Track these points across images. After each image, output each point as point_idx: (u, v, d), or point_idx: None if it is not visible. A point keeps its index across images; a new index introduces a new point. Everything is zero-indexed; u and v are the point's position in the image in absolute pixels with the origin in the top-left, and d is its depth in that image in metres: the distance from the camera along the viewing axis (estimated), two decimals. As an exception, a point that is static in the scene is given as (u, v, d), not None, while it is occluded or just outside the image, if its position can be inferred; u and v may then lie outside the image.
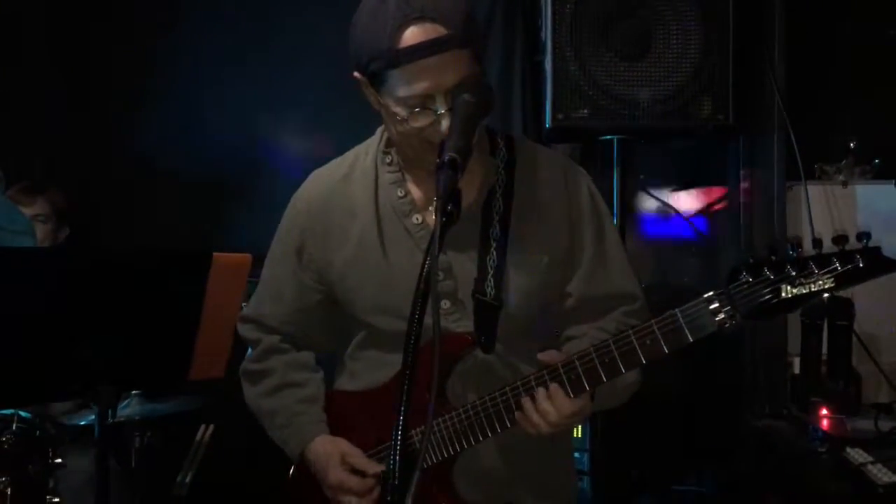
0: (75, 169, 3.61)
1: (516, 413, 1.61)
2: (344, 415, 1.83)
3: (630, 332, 1.55)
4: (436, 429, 1.68)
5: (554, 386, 1.58)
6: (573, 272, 1.76)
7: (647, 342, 1.53)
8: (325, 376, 1.92)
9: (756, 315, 1.46)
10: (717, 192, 3.25)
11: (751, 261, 1.44)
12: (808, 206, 2.84)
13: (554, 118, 2.79)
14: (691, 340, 1.52)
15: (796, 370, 2.79)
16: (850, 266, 1.40)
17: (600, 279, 1.76)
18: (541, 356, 1.63)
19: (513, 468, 1.76)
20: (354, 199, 1.79)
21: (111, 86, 3.60)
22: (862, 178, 2.92)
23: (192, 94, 3.53)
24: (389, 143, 1.79)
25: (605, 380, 1.58)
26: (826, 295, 1.40)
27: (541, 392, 1.59)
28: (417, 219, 1.75)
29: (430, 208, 1.67)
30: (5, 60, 3.57)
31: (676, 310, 1.52)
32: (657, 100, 2.75)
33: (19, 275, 1.95)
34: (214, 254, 2.15)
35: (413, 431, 1.62)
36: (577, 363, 1.58)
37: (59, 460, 2.61)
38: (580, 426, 2.80)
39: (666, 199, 3.27)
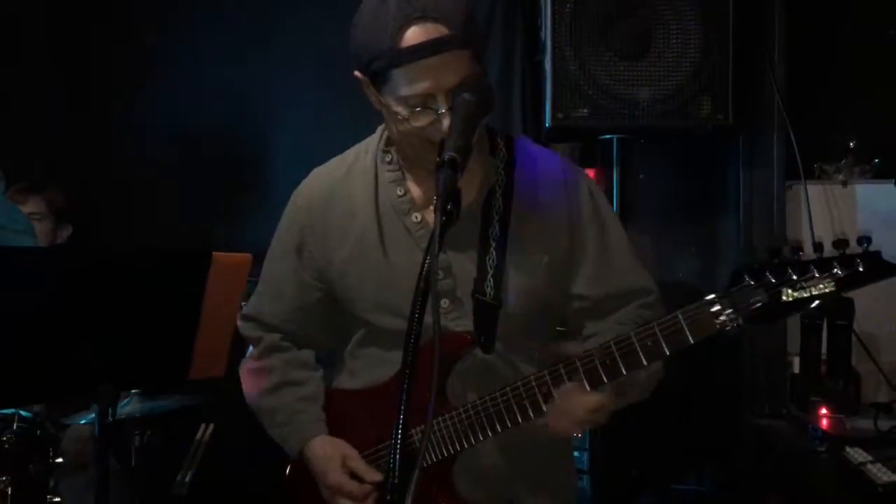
0: (75, 168, 3.60)
1: (540, 414, 1.60)
2: (344, 413, 1.84)
3: (631, 333, 1.56)
4: (435, 428, 1.69)
5: (573, 383, 1.58)
6: (576, 272, 1.77)
7: (649, 343, 1.54)
8: (324, 374, 1.93)
9: (757, 318, 1.47)
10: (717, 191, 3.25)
11: (753, 264, 1.45)
12: (808, 206, 2.84)
13: (554, 117, 2.79)
14: (692, 342, 1.52)
15: (796, 369, 2.79)
16: (850, 270, 1.41)
17: (609, 278, 1.76)
18: (553, 348, 1.63)
19: (512, 467, 1.77)
20: (354, 197, 1.80)
21: (111, 85, 3.60)
22: (862, 178, 2.92)
23: (191, 93, 3.53)
24: (389, 142, 1.80)
25: (605, 381, 1.58)
26: (826, 300, 1.40)
27: (560, 390, 1.59)
28: (417, 217, 1.75)
29: (430, 207, 1.67)
30: (5, 60, 3.56)
31: (678, 312, 1.53)
32: (657, 99, 2.75)
33: (19, 274, 1.94)
34: (214, 253, 2.15)
35: (413, 430, 1.62)
36: (579, 364, 1.59)
37: (59, 460, 2.61)
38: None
39: (665, 199, 3.27)
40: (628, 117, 2.77)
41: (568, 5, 2.75)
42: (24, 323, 1.95)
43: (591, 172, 3.11)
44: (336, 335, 1.90)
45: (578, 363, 1.59)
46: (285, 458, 1.88)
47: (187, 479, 2.95)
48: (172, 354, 2.18)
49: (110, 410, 2.20)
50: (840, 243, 1.40)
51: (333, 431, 1.82)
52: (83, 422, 2.78)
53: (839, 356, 2.64)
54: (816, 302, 1.42)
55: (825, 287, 1.40)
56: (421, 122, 1.61)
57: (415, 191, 1.77)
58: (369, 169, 1.80)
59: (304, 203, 1.85)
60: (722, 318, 1.50)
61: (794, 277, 1.42)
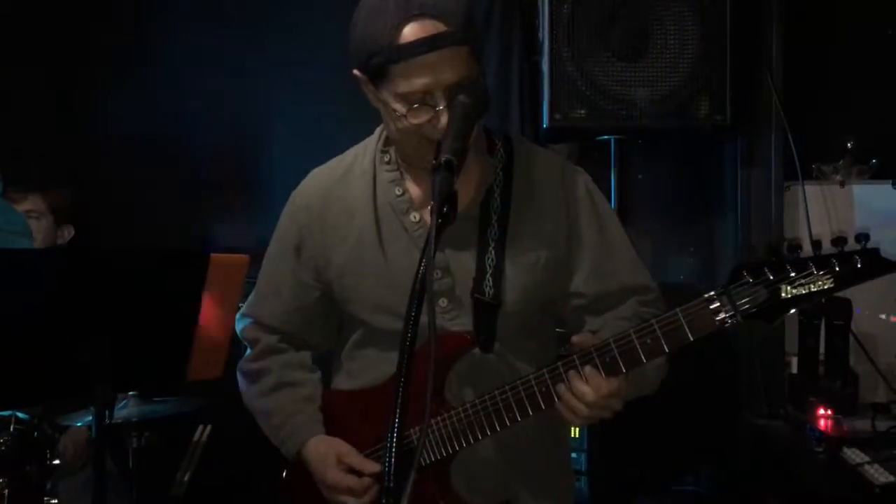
0: (72, 169, 3.60)
1: (557, 402, 1.60)
2: (341, 414, 1.83)
3: (631, 331, 1.56)
4: (434, 428, 1.69)
5: (588, 368, 1.57)
6: (574, 271, 1.77)
7: (648, 341, 1.54)
8: (322, 376, 1.92)
9: (756, 315, 1.47)
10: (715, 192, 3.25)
11: (751, 261, 1.45)
12: (806, 206, 2.84)
13: (551, 118, 2.79)
14: (692, 339, 1.53)
15: (794, 370, 2.79)
16: (848, 267, 1.41)
17: (608, 276, 1.77)
18: (575, 338, 1.62)
19: (511, 467, 1.77)
20: (353, 197, 1.80)
21: (110, 85, 3.59)
22: (859, 178, 2.92)
23: (190, 94, 3.53)
24: (388, 142, 1.80)
25: (604, 378, 1.57)
26: (827, 296, 1.41)
27: (571, 374, 1.58)
28: (415, 217, 1.75)
29: (429, 207, 1.66)
30: (2, 61, 3.56)
31: (677, 309, 1.53)
32: (655, 100, 2.75)
33: (16, 275, 1.94)
34: (212, 254, 2.15)
35: (411, 430, 1.62)
36: (577, 361, 1.59)
37: (56, 461, 2.61)
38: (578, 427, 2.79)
39: (663, 199, 3.27)
40: (626, 118, 2.77)
41: (565, 6, 2.75)
42: (20, 324, 1.95)
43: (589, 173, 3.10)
44: (333, 336, 1.90)
45: (577, 360, 1.59)
46: (283, 459, 1.87)
47: (185, 480, 2.94)
48: (170, 355, 2.17)
49: (107, 412, 2.19)
50: (838, 241, 1.41)
51: (331, 433, 1.82)
52: (80, 423, 2.77)
53: (837, 356, 2.64)
54: (815, 299, 1.42)
55: (824, 284, 1.41)
56: (419, 119, 1.61)
57: (413, 190, 1.77)
58: (368, 169, 1.80)
59: (302, 203, 1.85)
60: (721, 315, 1.50)
61: (793, 274, 1.42)
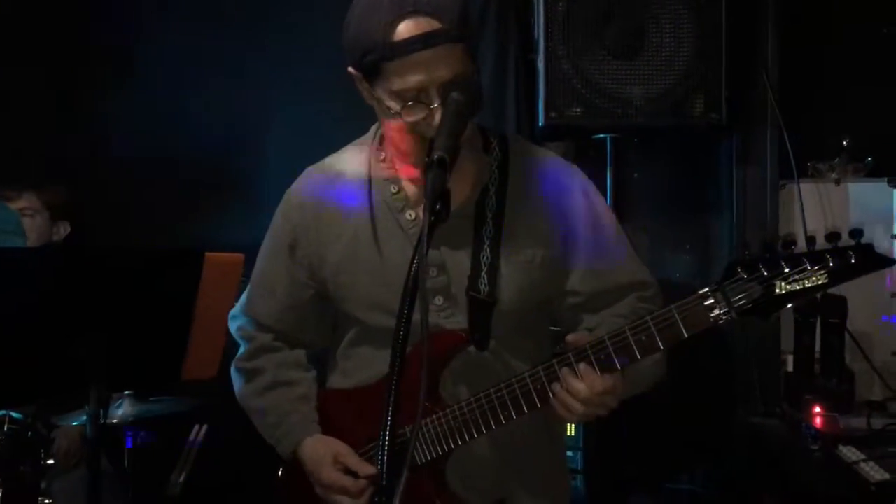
0: (67, 168, 3.59)
1: (551, 399, 1.59)
2: (336, 413, 1.83)
3: (626, 328, 1.56)
4: (429, 426, 1.68)
5: (583, 365, 1.57)
6: (570, 269, 1.76)
7: (643, 338, 1.54)
8: (316, 375, 1.92)
9: (751, 311, 1.47)
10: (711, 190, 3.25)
11: (746, 257, 1.45)
12: (801, 204, 2.85)
13: (547, 116, 2.79)
14: (686, 336, 1.52)
15: (790, 368, 2.79)
16: (843, 263, 1.41)
17: (604, 274, 1.76)
18: (569, 337, 1.62)
19: (506, 465, 1.76)
20: (348, 195, 1.79)
21: (105, 85, 3.58)
22: (855, 176, 2.93)
23: (185, 93, 3.52)
24: (383, 140, 1.79)
25: (598, 374, 1.57)
26: (821, 292, 1.41)
27: (565, 371, 1.58)
28: (411, 215, 1.75)
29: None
30: (1, 60, 3.55)
31: (672, 306, 1.53)
32: (650, 98, 2.75)
33: (9, 274, 1.93)
34: (206, 253, 2.14)
35: (406, 429, 1.61)
36: (572, 358, 1.59)
37: (50, 461, 2.60)
38: (573, 425, 2.79)
39: (658, 197, 3.27)
40: (622, 116, 2.77)
41: (561, 4, 2.75)
42: (14, 323, 1.94)
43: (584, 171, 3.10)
44: (328, 335, 1.90)
45: (572, 359, 1.59)
46: (279, 458, 1.87)
47: (180, 480, 2.94)
48: (165, 355, 2.17)
49: (102, 412, 2.19)
50: (832, 236, 1.41)
51: (327, 432, 1.81)
52: (75, 423, 2.77)
53: (833, 354, 2.64)
54: (810, 294, 1.42)
55: (818, 279, 1.41)
56: (413, 116, 1.61)
57: (409, 188, 1.77)
58: (363, 167, 1.80)
59: (297, 201, 1.84)
60: (716, 311, 1.50)
61: (787, 270, 1.42)
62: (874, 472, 2.06)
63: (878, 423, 2.41)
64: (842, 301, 2.63)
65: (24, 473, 2.59)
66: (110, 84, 3.56)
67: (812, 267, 1.41)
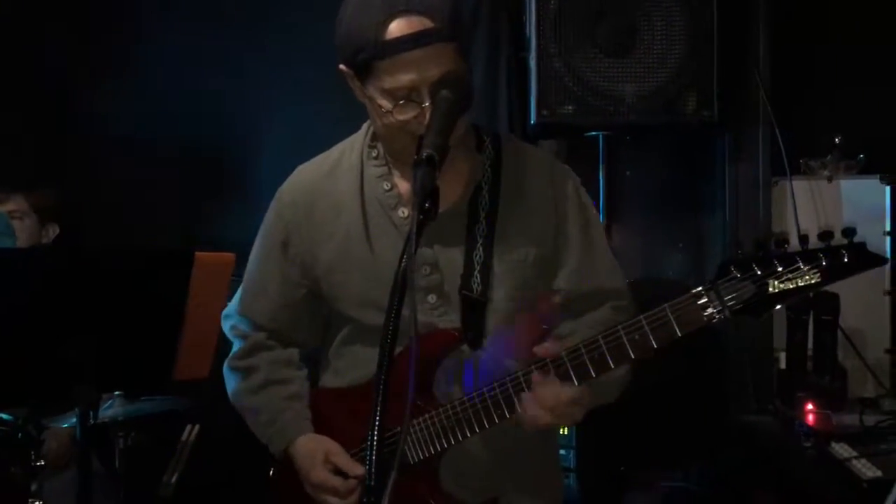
0: (58, 168, 3.57)
1: (518, 408, 1.60)
2: (329, 412, 1.82)
3: (619, 327, 1.56)
4: (422, 425, 1.68)
5: (547, 373, 1.58)
6: (559, 268, 1.77)
7: (636, 337, 1.54)
8: (309, 374, 1.91)
9: (744, 310, 1.48)
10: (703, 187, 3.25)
11: (739, 256, 1.45)
12: (794, 202, 2.85)
13: (539, 114, 2.79)
14: (680, 335, 1.52)
15: (783, 365, 2.80)
16: (836, 261, 1.42)
17: (588, 275, 1.77)
18: (536, 349, 1.63)
19: (499, 464, 1.76)
20: (340, 193, 1.79)
21: (96, 84, 3.57)
22: (847, 173, 2.93)
23: (176, 92, 3.50)
24: (375, 137, 1.79)
25: (593, 375, 1.58)
26: (814, 291, 1.41)
27: (535, 379, 1.59)
28: (403, 212, 1.75)
29: None
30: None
31: (665, 305, 1.53)
32: (642, 96, 2.75)
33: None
34: (197, 253, 2.14)
35: (398, 428, 1.61)
36: (566, 359, 1.59)
37: (40, 462, 2.59)
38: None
39: (651, 195, 3.27)
40: (614, 114, 2.76)
41: (552, 2, 2.75)
42: (4, 325, 1.93)
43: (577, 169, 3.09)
44: (321, 334, 1.89)
45: (566, 358, 1.59)
46: (271, 458, 1.86)
47: (173, 480, 2.92)
48: (156, 355, 2.17)
49: (92, 412, 2.18)
50: (825, 235, 1.41)
51: (319, 431, 1.81)
52: (66, 425, 2.75)
53: (825, 351, 2.65)
54: (803, 293, 1.42)
55: (811, 278, 1.41)
56: (405, 115, 1.61)
57: (401, 186, 1.76)
58: (355, 164, 1.80)
59: (288, 200, 1.84)
60: (709, 310, 1.50)
61: (780, 269, 1.43)
62: (866, 470, 2.06)
63: (870, 420, 2.42)
64: (834, 298, 2.63)
65: (14, 475, 2.57)
66: (103, 84, 3.55)
67: (805, 266, 1.42)
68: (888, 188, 2.85)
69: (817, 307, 2.65)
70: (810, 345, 2.69)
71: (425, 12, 1.56)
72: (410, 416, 1.59)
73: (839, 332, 2.66)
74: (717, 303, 1.49)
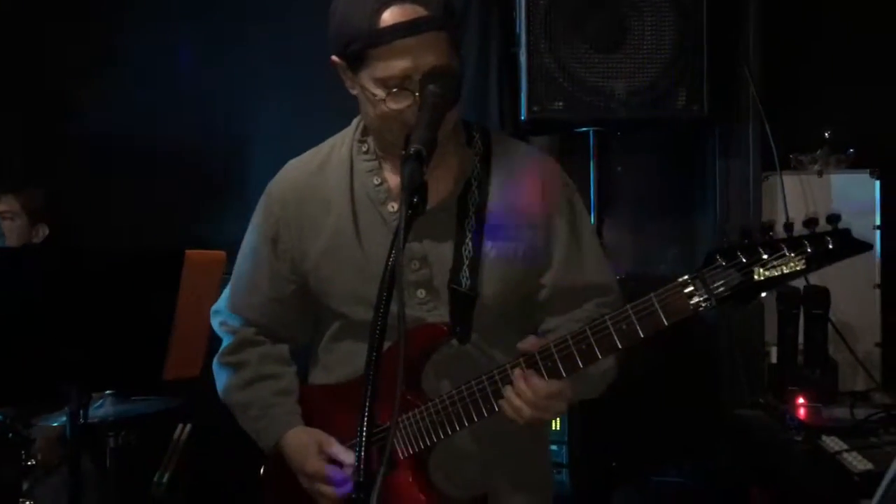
0: (48, 168, 3.57)
1: (501, 402, 1.61)
2: (319, 408, 1.82)
3: (606, 317, 1.56)
4: (411, 420, 1.68)
5: (533, 365, 1.58)
6: (548, 263, 1.77)
7: (623, 327, 1.54)
8: (298, 371, 1.91)
9: (730, 298, 1.47)
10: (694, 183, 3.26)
11: (725, 245, 1.45)
12: (784, 196, 2.85)
13: (529, 110, 2.78)
14: (667, 324, 1.52)
15: (774, 359, 2.80)
16: (820, 248, 1.42)
17: (574, 270, 1.77)
18: (520, 344, 1.63)
19: (489, 459, 1.76)
20: (330, 188, 1.79)
21: (86, 84, 3.56)
22: (837, 168, 2.93)
23: (166, 91, 3.50)
24: (365, 132, 1.79)
25: (581, 366, 1.58)
26: (799, 277, 1.41)
27: (517, 373, 1.59)
28: (393, 207, 1.74)
29: None
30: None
31: (652, 294, 1.53)
32: (632, 91, 2.75)
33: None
34: (187, 251, 2.13)
35: (387, 424, 1.60)
36: (554, 350, 1.58)
37: (31, 462, 2.58)
38: (558, 419, 2.79)
39: (642, 191, 3.28)
40: (604, 109, 2.76)
41: (542, -2, 2.74)
42: (-6, 323, 1.93)
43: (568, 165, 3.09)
44: (310, 330, 1.89)
45: (553, 349, 1.59)
46: (262, 456, 1.85)
47: (165, 479, 2.91)
48: (147, 355, 2.16)
49: (82, 412, 2.17)
50: (810, 222, 1.41)
51: (309, 426, 1.80)
52: (55, 424, 2.74)
53: (816, 345, 2.65)
54: (788, 280, 1.42)
55: (796, 265, 1.41)
56: (399, 104, 1.61)
57: (391, 180, 1.76)
58: (345, 159, 1.80)
59: (278, 195, 1.84)
60: (695, 299, 1.50)
61: (765, 257, 1.43)
62: (857, 463, 2.06)
63: (861, 413, 2.42)
64: (825, 292, 2.63)
65: (4, 475, 2.57)
66: (90, 83, 3.54)
67: (790, 253, 1.41)
68: (878, 182, 2.85)
69: (808, 301, 2.65)
70: (801, 339, 2.69)
71: (418, 1, 1.58)
72: (399, 411, 1.59)
73: (830, 326, 2.66)
74: (702, 291, 1.49)
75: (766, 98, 2.93)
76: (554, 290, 1.77)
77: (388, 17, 1.57)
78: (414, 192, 1.38)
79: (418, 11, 1.57)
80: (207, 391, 1.96)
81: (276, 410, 1.82)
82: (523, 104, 2.79)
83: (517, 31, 2.85)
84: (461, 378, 1.67)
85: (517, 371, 1.59)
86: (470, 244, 1.72)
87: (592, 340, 1.56)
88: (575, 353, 1.57)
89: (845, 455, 2.11)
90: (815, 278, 2.59)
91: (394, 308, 1.34)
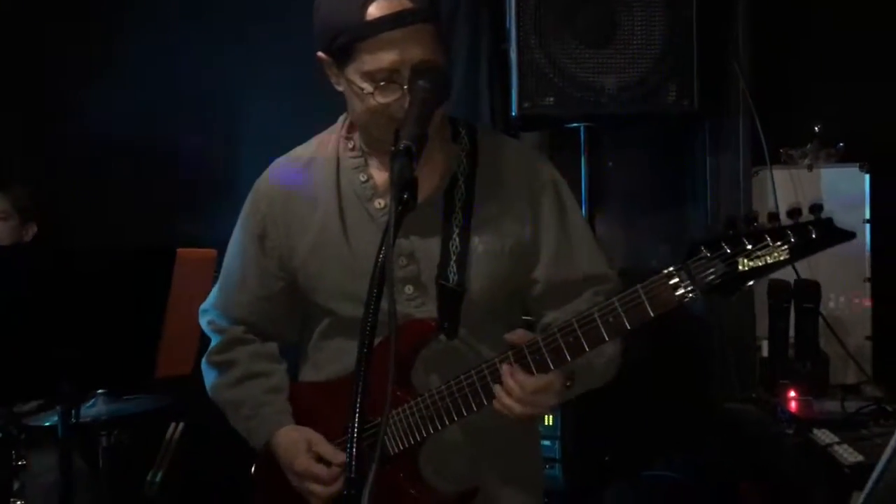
0: (39, 166, 3.56)
1: (491, 398, 1.61)
2: (309, 406, 1.82)
3: (594, 309, 1.56)
4: (401, 416, 1.68)
5: (516, 364, 1.59)
6: (537, 258, 1.77)
7: (610, 319, 1.54)
8: (288, 369, 1.91)
9: (715, 289, 1.48)
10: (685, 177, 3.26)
11: (709, 236, 1.46)
12: (774, 190, 2.86)
13: (520, 106, 2.78)
14: (653, 316, 1.52)
15: (765, 353, 2.80)
16: (804, 238, 1.42)
17: (566, 264, 1.77)
18: (507, 336, 1.63)
19: (480, 453, 1.76)
20: (316, 185, 1.79)
21: (77, 82, 3.55)
22: (827, 162, 2.94)
23: (158, 89, 3.49)
24: (352, 129, 1.79)
25: (569, 359, 1.58)
26: (784, 267, 1.42)
27: (504, 369, 1.59)
28: (380, 203, 1.74)
29: None
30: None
31: (638, 286, 1.53)
32: (622, 86, 2.74)
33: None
34: (178, 249, 2.13)
35: (378, 420, 1.60)
36: (541, 343, 1.59)
37: (22, 462, 2.57)
38: (551, 415, 2.79)
39: (633, 186, 3.28)
40: (595, 105, 2.76)
41: (532, -7, 2.74)
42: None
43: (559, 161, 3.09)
44: (298, 328, 1.89)
45: (541, 343, 1.59)
46: (254, 454, 1.85)
47: (158, 478, 2.91)
48: (138, 353, 2.16)
49: (74, 412, 2.17)
50: (794, 212, 1.41)
51: (300, 424, 1.80)
52: (48, 423, 2.73)
53: (807, 339, 2.66)
54: (773, 269, 1.42)
55: (780, 255, 1.42)
56: (387, 97, 1.61)
57: (378, 177, 1.76)
58: (331, 156, 1.80)
59: (265, 192, 1.84)
60: (681, 290, 1.50)
61: (749, 247, 1.43)
62: (848, 455, 2.07)
63: (851, 406, 2.43)
64: (815, 286, 2.64)
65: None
66: (83, 83, 3.53)
67: (774, 243, 1.42)
68: (868, 176, 2.86)
69: (799, 295, 2.66)
70: (792, 333, 2.69)
71: None
72: (389, 407, 1.58)
73: (821, 320, 2.67)
74: (688, 282, 1.49)
75: (756, 93, 2.94)
76: (548, 286, 1.76)
77: (375, 10, 1.57)
78: (403, 188, 1.38)
79: (404, 4, 1.58)
80: (199, 389, 1.96)
81: (267, 409, 1.81)
82: (514, 100, 2.79)
83: (507, 27, 2.85)
84: (450, 373, 1.67)
85: (505, 367, 1.59)
86: (457, 239, 1.72)
87: (580, 333, 1.56)
88: (563, 345, 1.57)
89: (836, 447, 2.12)
90: (805, 272, 2.60)
91: (383, 305, 1.34)
